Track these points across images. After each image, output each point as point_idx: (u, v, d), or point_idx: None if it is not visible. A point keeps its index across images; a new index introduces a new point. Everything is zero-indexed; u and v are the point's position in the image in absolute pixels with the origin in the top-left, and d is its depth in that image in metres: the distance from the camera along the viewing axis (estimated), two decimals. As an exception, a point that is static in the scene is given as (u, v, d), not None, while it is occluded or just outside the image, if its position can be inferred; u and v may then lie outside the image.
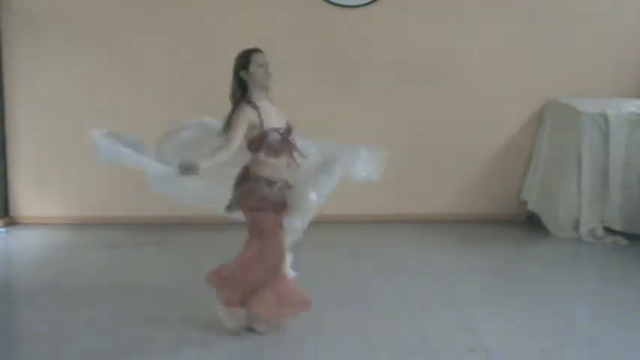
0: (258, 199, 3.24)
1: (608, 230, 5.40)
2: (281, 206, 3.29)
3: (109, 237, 5.44)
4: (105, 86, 5.73)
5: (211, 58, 5.67)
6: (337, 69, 5.66)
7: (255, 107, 3.20)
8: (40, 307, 3.82)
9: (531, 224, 5.89)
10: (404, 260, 4.70)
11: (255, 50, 3.26)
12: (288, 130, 3.26)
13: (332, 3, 5.68)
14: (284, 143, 3.22)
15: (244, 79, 3.23)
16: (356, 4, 5.68)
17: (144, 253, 5.03)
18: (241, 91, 3.24)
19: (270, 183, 3.25)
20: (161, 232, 5.55)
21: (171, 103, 5.74)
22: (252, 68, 3.20)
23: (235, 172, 3.32)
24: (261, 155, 3.21)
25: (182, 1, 5.67)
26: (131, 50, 5.68)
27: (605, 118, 5.36)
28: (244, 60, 3.23)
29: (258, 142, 3.19)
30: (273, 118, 3.24)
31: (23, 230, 5.65)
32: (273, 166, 3.25)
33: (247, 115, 3.18)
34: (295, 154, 3.28)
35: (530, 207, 5.84)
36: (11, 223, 5.79)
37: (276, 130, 3.20)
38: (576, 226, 5.43)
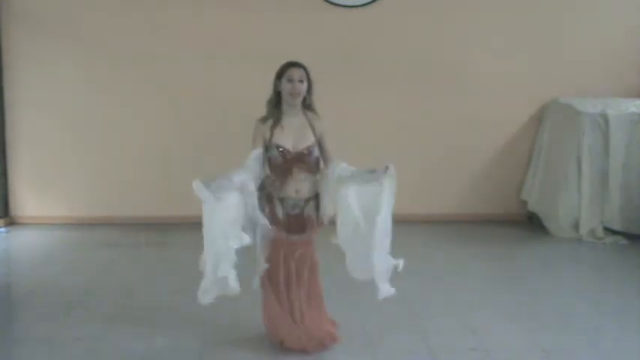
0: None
1: (608, 230, 5.40)
2: (286, 226, 3.18)
3: (109, 237, 5.44)
4: (105, 87, 5.73)
5: (212, 60, 5.67)
6: (337, 69, 5.65)
7: (266, 122, 3.17)
8: (40, 307, 3.82)
9: (531, 224, 5.89)
10: (404, 260, 4.69)
11: (292, 65, 3.15)
12: (297, 153, 3.14)
13: (332, 3, 5.68)
14: (285, 163, 3.13)
15: (278, 88, 3.19)
16: (356, 4, 5.69)
17: (144, 253, 5.03)
18: (276, 99, 3.20)
19: (274, 199, 3.19)
20: (161, 232, 5.55)
21: (171, 103, 5.75)
22: (283, 81, 3.14)
23: None
24: (270, 170, 3.20)
25: (182, 3, 5.67)
26: (131, 51, 5.68)
27: (605, 118, 5.36)
28: (280, 71, 3.16)
29: (266, 158, 3.19)
30: (290, 137, 3.15)
31: (23, 230, 5.65)
32: (280, 185, 3.17)
33: (259, 130, 3.17)
34: (306, 176, 3.17)
35: (531, 207, 5.84)
36: (11, 223, 5.79)
37: (279, 148, 3.14)
38: (576, 226, 5.43)
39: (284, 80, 3.14)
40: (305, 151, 3.15)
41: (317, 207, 3.23)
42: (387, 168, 3.06)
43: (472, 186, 6.01)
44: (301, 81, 3.13)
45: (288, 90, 3.13)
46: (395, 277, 4.39)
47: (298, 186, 3.15)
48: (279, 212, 3.18)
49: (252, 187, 3.02)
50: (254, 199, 3.04)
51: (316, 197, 3.23)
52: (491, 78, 5.85)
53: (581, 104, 5.51)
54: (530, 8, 5.82)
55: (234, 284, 2.91)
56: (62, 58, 5.68)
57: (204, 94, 5.72)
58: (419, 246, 5.08)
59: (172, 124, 5.74)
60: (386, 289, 3.18)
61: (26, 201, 5.83)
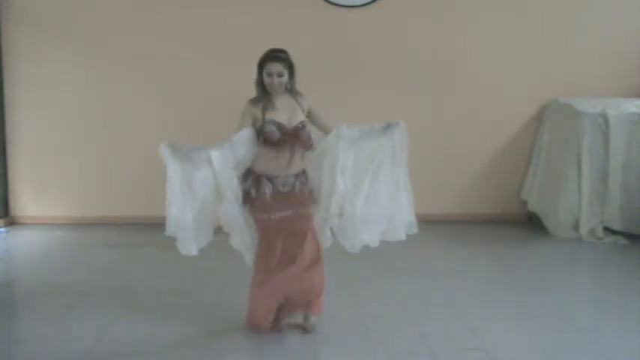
0: (248, 196, 3.31)
1: (608, 230, 5.41)
2: (278, 203, 3.28)
3: (109, 237, 5.44)
4: (105, 87, 5.73)
5: (212, 60, 5.67)
6: (337, 69, 5.66)
7: (256, 104, 3.31)
8: (40, 307, 3.82)
9: (531, 224, 5.89)
10: (404, 260, 4.70)
11: (270, 60, 3.28)
12: (293, 128, 3.28)
13: (332, 3, 5.68)
14: (283, 136, 3.25)
15: (260, 77, 3.33)
16: (356, 4, 5.69)
17: (144, 253, 5.03)
18: (263, 85, 3.34)
19: (262, 179, 3.29)
20: (161, 232, 5.50)
21: (171, 103, 5.75)
22: (264, 74, 3.29)
23: None
24: (263, 148, 3.29)
25: (182, 3, 5.67)
26: (131, 51, 5.68)
27: (605, 118, 5.36)
28: (260, 61, 3.31)
29: (259, 132, 3.30)
30: (284, 114, 3.29)
31: (23, 230, 5.65)
32: (272, 161, 3.28)
33: (248, 110, 3.32)
34: (300, 151, 3.31)
35: (531, 207, 5.84)
36: (11, 223, 5.79)
37: (275, 122, 3.25)
38: (576, 226, 5.43)
39: (264, 74, 3.29)
40: (300, 126, 3.30)
41: (307, 182, 3.38)
42: (397, 123, 3.37)
43: (472, 186, 6.01)
44: (280, 75, 3.28)
45: (267, 83, 3.29)
46: (395, 277, 4.41)
47: (291, 161, 3.28)
48: (267, 191, 3.26)
49: (220, 164, 3.20)
50: (225, 176, 3.23)
51: (304, 172, 3.38)
52: (491, 78, 5.86)
53: (581, 104, 5.51)
54: (530, 8, 5.82)
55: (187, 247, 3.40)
56: (62, 58, 5.68)
57: (204, 94, 5.72)
58: (419, 246, 5.06)
59: (172, 124, 5.73)
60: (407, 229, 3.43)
61: (26, 201, 5.84)
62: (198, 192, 3.23)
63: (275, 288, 3.32)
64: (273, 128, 3.24)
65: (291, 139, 3.26)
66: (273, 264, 3.30)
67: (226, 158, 3.24)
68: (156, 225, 5.69)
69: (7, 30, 5.63)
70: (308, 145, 3.33)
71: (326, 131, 3.42)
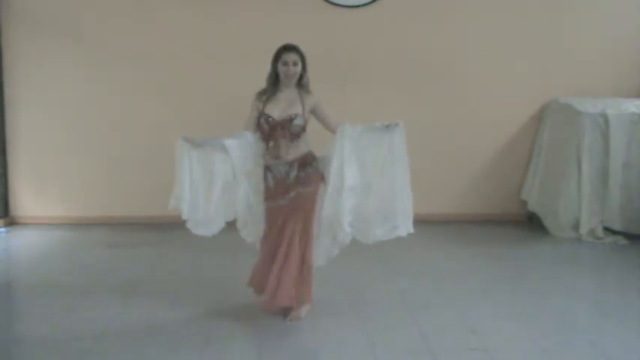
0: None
1: (608, 230, 5.40)
2: (277, 191, 3.49)
3: (109, 237, 5.44)
4: (105, 87, 5.73)
5: (212, 60, 5.67)
6: (337, 69, 5.66)
7: (260, 97, 3.52)
8: (40, 307, 3.82)
9: (531, 224, 5.89)
10: (404, 260, 4.70)
11: (285, 49, 3.47)
12: (281, 119, 3.43)
13: (332, 3, 5.68)
14: (270, 129, 3.43)
15: (275, 70, 3.50)
16: (356, 4, 5.69)
17: (144, 253, 5.03)
18: (274, 77, 3.51)
19: (267, 168, 3.52)
20: (161, 232, 5.54)
21: (171, 103, 5.75)
22: (278, 64, 3.47)
23: None
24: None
25: (182, 3, 5.67)
26: (131, 51, 5.68)
27: (605, 118, 5.36)
28: (276, 54, 3.49)
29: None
30: (279, 107, 3.46)
31: (23, 230, 5.65)
32: (267, 152, 3.50)
33: (254, 103, 3.54)
34: (285, 140, 3.44)
35: (531, 207, 5.84)
36: (11, 223, 5.79)
37: (266, 116, 3.44)
38: (576, 226, 5.43)
39: (279, 64, 3.46)
40: (287, 117, 3.43)
41: (303, 167, 3.49)
42: (397, 124, 3.49)
43: (472, 186, 6.01)
44: (295, 64, 3.45)
45: (283, 72, 3.46)
46: (395, 277, 4.42)
47: (279, 152, 3.47)
48: (270, 180, 3.50)
49: (236, 151, 3.44)
50: (240, 163, 3.46)
51: (301, 159, 3.50)
52: (491, 78, 5.86)
53: (581, 104, 5.51)
54: (530, 8, 5.82)
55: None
56: (62, 58, 5.68)
57: (204, 94, 5.72)
58: (419, 246, 5.07)
59: (172, 124, 5.72)
60: (407, 228, 3.49)
61: (26, 201, 5.83)
62: (215, 175, 3.46)
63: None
64: (262, 121, 3.46)
65: (278, 130, 3.42)
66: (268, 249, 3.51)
67: (241, 146, 3.46)
68: (155, 225, 5.75)
69: (7, 30, 5.63)
70: (292, 135, 3.44)
71: (331, 130, 3.54)
